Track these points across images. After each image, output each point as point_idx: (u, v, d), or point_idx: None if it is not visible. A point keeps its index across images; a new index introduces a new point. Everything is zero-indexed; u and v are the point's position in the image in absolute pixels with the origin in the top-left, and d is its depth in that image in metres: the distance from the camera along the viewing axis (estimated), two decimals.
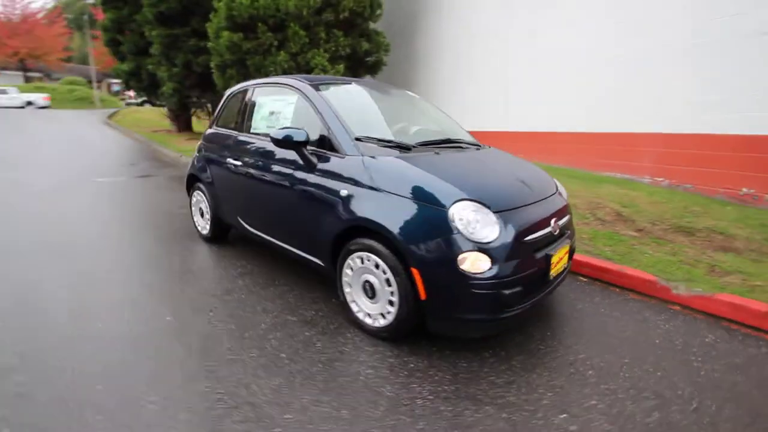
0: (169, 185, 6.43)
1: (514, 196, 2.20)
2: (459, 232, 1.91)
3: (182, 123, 13.85)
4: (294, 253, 2.76)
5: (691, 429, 1.70)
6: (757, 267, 3.09)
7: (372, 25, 8.94)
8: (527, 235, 2.04)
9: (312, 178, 2.50)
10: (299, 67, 7.50)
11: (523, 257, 2.01)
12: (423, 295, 2.00)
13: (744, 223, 3.96)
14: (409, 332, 2.20)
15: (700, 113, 5.16)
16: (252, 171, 2.99)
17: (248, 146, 3.12)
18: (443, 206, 1.97)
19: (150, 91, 13.61)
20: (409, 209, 2.04)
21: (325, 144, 2.48)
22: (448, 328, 2.12)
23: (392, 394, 1.85)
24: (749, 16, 4.69)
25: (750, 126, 4.75)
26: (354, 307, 2.38)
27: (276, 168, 2.79)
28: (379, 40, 8.99)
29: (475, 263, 1.88)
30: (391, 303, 2.16)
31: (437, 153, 2.51)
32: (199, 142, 3.88)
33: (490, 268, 1.89)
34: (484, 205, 1.99)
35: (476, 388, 1.90)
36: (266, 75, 7.32)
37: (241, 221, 3.26)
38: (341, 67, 7.79)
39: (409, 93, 3.53)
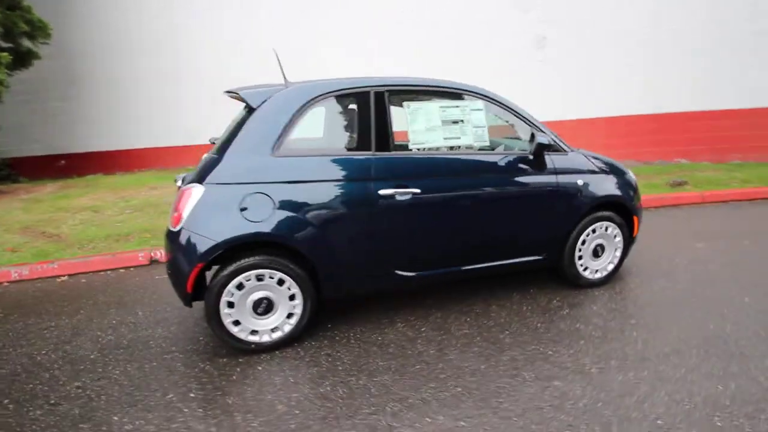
0: None
1: None
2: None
3: None
4: (487, 269, 2.75)
5: None
6: None
7: None
8: None
9: (543, 178, 2.72)
10: None
11: None
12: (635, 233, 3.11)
13: None
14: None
15: None
16: (439, 195, 2.48)
17: (423, 166, 2.45)
18: (629, 174, 3.12)
19: None
20: (622, 182, 3.01)
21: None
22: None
23: None
24: None
25: None
26: (582, 266, 2.98)
27: (491, 179, 2.62)
28: (31, 17, 6.03)
29: None
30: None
31: None
32: (220, 186, 2.18)
33: None
34: None
35: None
36: None
37: (400, 272, 2.51)
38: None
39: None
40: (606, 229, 2.97)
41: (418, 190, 2.41)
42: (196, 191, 2.20)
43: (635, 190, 3.10)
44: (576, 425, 1.74)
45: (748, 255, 3.61)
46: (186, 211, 2.19)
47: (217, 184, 2.21)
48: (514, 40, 7.45)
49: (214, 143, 2.81)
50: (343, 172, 2.34)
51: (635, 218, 3.07)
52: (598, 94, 7.41)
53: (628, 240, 3.07)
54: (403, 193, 2.38)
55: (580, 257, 2.95)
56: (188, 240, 2.17)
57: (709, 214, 5.02)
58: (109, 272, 3.75)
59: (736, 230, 4.31)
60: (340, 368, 2.21)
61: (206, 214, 2.19)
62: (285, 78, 2.84)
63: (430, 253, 2.59)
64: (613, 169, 3.02)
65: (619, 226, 3.00)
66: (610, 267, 3.07)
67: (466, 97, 2.64)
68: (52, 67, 7.13)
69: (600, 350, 2.29)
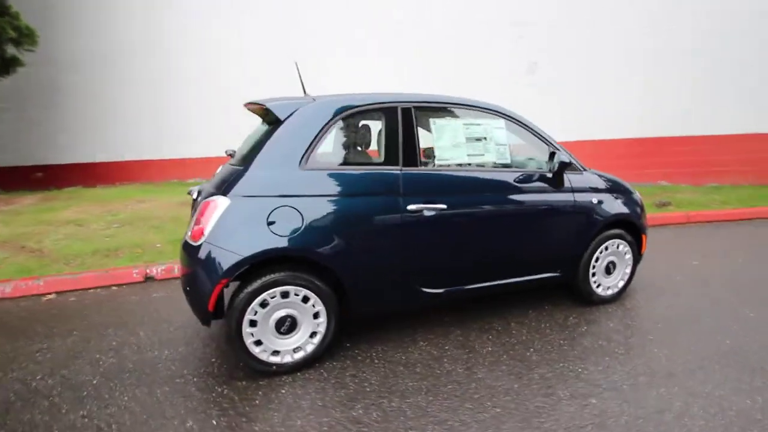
0: None
1: None
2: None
3: None
4: (507, 285, 2.75)
5: None
6: None
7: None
8: None
9: (562, 196, 2.77)
10: None
11: None
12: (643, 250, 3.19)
13: None
14: None
15: None
16: (464, 211, 2.48)
17: (448, 183, 2.45)
18: (636, 193, 3.21)
19: None
20: (630, 200, 3.09)
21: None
22: None
23: None
24: None
25: None
26: (595, 283, 3.02)
27: (513, 196, 2.63)
28: (19, 23, 5.84)
29: None
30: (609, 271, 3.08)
31: None
32: (245, 200, 2.11)
33: None
34: None
35: None
36: None
37: (422, 290, 2.47)
38: None
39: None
40: (617, 246, 3.03)
41: (444, 206, 2.39)
42: (222, 203, 2.10)
43: (642, 208, 3.19)
44: None
45: (743, 271, 3.75)
46: (210, 224, 2.09)
47: (242, 196, 2.13)
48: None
49: (231, 155, 2.73)
50: (372, 187, 2.30)
51: (644, 236, 3.16)
52: (584, 119, 7.70)
53: (637, 257, 3.14)
54: (430, 209, 2.36)
55: (593, 274, 2.98)
56: (212, 254, 2.06)
57: (696, 234, 5.23)
58: (100, 290, 3.52)
59: (725, 248, 4.50)
60: (369, 390, 2.11)
61: (232, 227, 2.09)
62: (304, 90, 2.81)
63: (454, 270, 2.56)
64: (621, 189, 3.11)
65: (629, 243, 3.06)
66: (621, 284, 3.12)
67: (488, 115, 2.68)
68: (36, 75, 6.85)
69: (627, 366, 2.29)
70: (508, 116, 2.73)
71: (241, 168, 2.22)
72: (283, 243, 2.09)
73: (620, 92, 7.66)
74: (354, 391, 2.10)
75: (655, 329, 2.72)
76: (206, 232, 2.09)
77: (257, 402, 2.03)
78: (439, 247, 2.47)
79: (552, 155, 2.70)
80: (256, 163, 2.19)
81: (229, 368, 2.32)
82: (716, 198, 6.50)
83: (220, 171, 2.59)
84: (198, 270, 2.10)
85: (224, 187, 2.18)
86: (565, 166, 2.66)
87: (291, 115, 2.26)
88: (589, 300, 3.03)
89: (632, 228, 3.09)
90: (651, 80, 7.65)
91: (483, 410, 1.94)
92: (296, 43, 7.57)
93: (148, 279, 3.73)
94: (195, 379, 2.22)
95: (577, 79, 7.73)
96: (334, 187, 2.24)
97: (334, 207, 2.22)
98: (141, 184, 7.65)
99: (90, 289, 3.52)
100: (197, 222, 2.14)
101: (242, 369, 2.29)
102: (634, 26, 7.57)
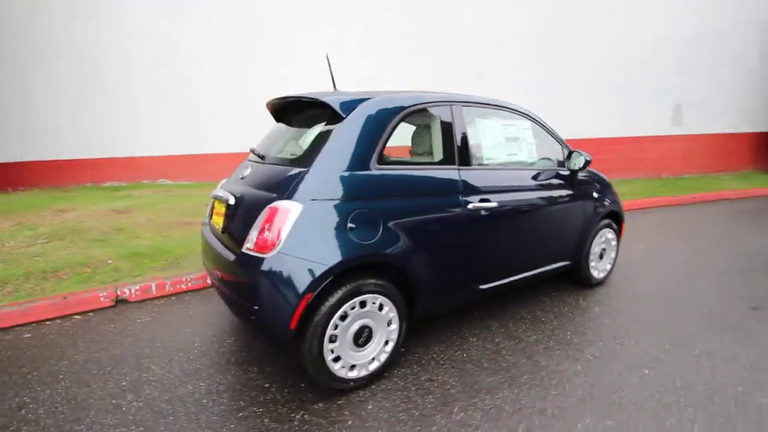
0: None
1: None
2: None
3: None
4: (534, 276, 2.92)
5: None
6: None
7: None
8: None
9: (576, 191, 3.05)
10: None
11: None
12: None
13: None
14: None
15: None
16: (510, 208, 2.59)
17: (497, 181, 2.52)
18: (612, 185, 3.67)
19: None
20: (612, 192, 3.52)
21: (563, 163, 3.06)
22: None
23: None
24: None
25: None
26: (594, 268, 3.39)
27: (544, 193, 2.83)
28: None
29: None
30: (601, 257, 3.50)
31: None
32: (326, 202, 1.92)
33: None
34: None
35: None
36: None
37: (478, 287, 2.54)
38: None
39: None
40: (608, 234, 3.43)
41: (496, 204, 2.46)
42: (295, 208, 1.87)
43: (619, 199, 3.67)
44: (707, 397, 1.97)
45: (684, 250, 4.51)
46: (284, 233, 1.85)
47: (315, 200, 1.92)
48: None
49: (262, 154, 2.43)
50: (439, 187, 2.27)
51: (623, 224, 3.63)
52: None
53: (618, 243, 3.60)
54: (486, 207, 2.41)
55: (592, 260, 3.34)
56: (290, 267, 1.82)
57: None
58: (59, 321, 2.85)
59: (655, 232, 5.36)
60: (454, 391, 2.09)
61: (311, 235, 1.87)
62: (334, 85, 2.64)
63: (500, 264, 2.65)
64: (606, 182, 3.53)
65: (615, 231, 3.50)
66: (608, 267, 3.54)
67: (517, 116, 2.82)
68: None
69: (653, 337, 2.62)
70: (532, 117, 2.90)
71: (302, 169, 2.00)
72: (366, 249, 1.95)
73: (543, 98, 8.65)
74: (441, 395, 2.06)
75: (652, 305, 3.13)
76: (280, 242, 1.84)
77: (350, 422, 1.87)
78: (491, 244, 2.53)
79: (570, 154, 2.95)
80: (322, 163, 1.99)
81: (292, 392, 2.08)
82: (624, 190, 7.70)
83: (255, 171, 2.30)
84: (272, 285, 1.84)
85: (287, 191, 1.94)
86: (587, 164, 2.93)
87: (352, 111, 2.11)
88: (588, 284, 3.38)
89: (616, 217, 3.53)
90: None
91: (566, 395, 2.06)
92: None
93: (120, 302, 3.13)
94: (261, 410, 1.95)
95: (514, 85, 8.48)
96: (405, 188, 2.15)
97: (407, 209, 2.13)
98: (41, 190, 6.31)
99: (46, 321, 2.83)
100: (266, 229, 1.88)
101: (308, 390, 2.08)
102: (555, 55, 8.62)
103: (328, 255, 1.86)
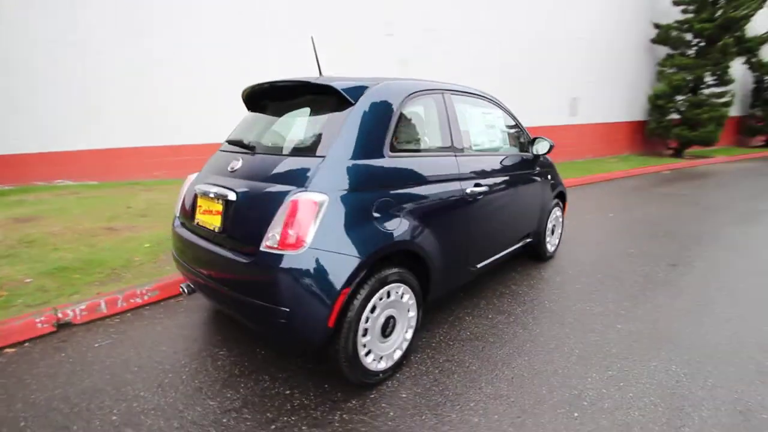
0: None
1: None
2: None
3: None
4: (509, 254, 3.16)
5: None
6: None
7: None
8: None
9: (539, 173, 3.36)
10: None
11: None
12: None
13: None
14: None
15: None
16: (496, 191, 2.78)
17: (484, 166, 2.66)
18: None
19: None
20: (558, 175, 3.93)
21: (525, 147, 3.34)
22: None
23: None
24: None
25: None
26: (549, 243, 3.78)
27: (519, 176, 3.07)
28: None
29: None
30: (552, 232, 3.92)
31: None
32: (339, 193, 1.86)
33: None
34: None
35: None
36: None
37: (471, 268, 2.69)
38: None
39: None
40: (556, 212, 3.84)
41: (486, 188, 2.60)
42: (321, 200, 1.76)
43: (562, 180, 4.13)
44: (668, 339, 2.34)
45: (601, 222, 5.22)
46: (312, 228, 1.73)
47: (339, 190, 1.83)
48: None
49: (251, 145, 2.20)
50: (444, 172, 2.31)
51: (566, 203, 4.09)
52: None
53: (563, 220, 4.06)
54: (479, 192, 2.53)
55: (547, 236, 3.72)
56: (323, 263, 1.72)
57: None
58: None
59: (571, 208, 6.08)
60: (474, 368, 2.18)
61: (340, 227, 1.78)
62: (320, 70, 2.52)
63: (487, 245, 2.80)
64: (554, 166, 3.94)
65: (561, 209, 3.93)
66: (556, 242, 3.97)
67: (491, 104, 2.98)
68: None
69: (621, 293, 3.02)
70: (502, 106, 3.10)
71: (317, 158, 1.89)
72: (392, 239, 1.92)
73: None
74: (464, 373, 2.14)
75: (599, 268, 3.60)
76: (309, 238, 1.72)
77: (391, 413, 1.85)
78: (483, 226, 2.67)
79: (534, 140, 3.22)
80: (339, 151, 1.90)
81: (318, 395, 1.98)
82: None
83: (250, 163, 2.09)
84: (304, 284, 1.71)
85: (305, 182, 1.82)
86: (551, 149, 3.23)
87: (360, 97, 2.04)
88: (544, 258, 3.75)
89: (562, 197, 3.97)
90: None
91: (568, 355, 2.30)
92: None
93: (63, 326, 2.61)
94: (293, 418, 1.83)
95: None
96: (417, 175, 2.16)
97: (421, 195, 2.14)
98: None
99: None
100: (291, 225, 1.73)
101: (335, 390, 2.00)
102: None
103: (361, 246, 1.80)
